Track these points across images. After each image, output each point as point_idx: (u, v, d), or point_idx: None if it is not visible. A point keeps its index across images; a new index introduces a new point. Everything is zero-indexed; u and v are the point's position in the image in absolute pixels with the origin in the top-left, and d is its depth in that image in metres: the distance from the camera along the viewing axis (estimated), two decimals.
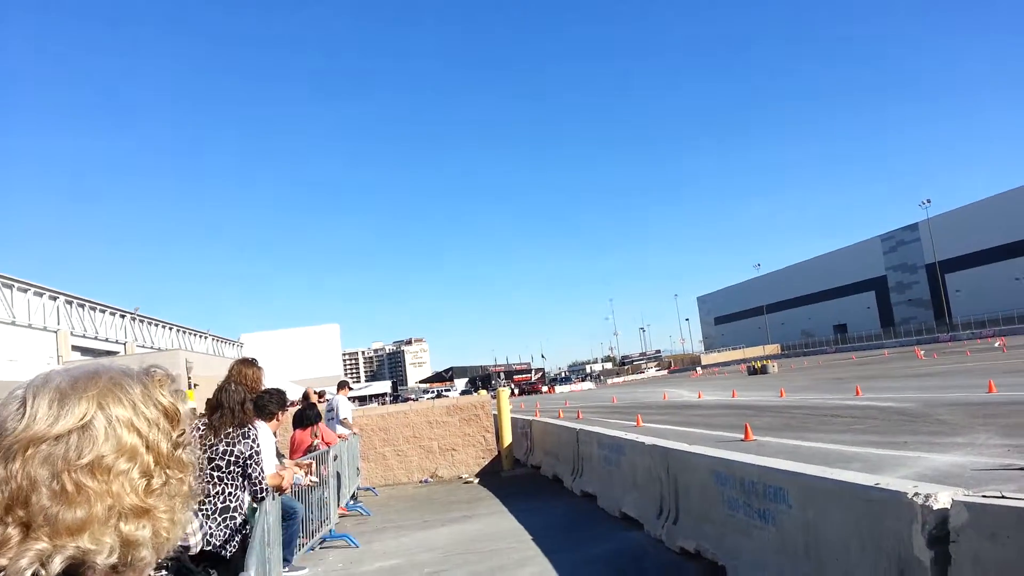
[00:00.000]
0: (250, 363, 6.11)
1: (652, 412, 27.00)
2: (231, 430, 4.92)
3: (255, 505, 5.00)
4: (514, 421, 16.38)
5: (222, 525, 4.72)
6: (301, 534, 8.12)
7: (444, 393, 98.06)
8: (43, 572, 0.84)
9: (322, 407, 12.62)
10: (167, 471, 0.95)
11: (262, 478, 5.01)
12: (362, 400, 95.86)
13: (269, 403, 6.06)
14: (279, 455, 6.91)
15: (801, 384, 34.54)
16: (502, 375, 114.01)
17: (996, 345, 50.01)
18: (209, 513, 4.67)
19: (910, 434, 13.35)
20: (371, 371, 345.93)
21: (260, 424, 5.62)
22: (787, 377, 44.74)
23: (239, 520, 4.83)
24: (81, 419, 0.90)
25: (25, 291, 48.33)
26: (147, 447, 0.93)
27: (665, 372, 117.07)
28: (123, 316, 63.06)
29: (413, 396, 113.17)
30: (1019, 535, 3.45)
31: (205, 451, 4.79)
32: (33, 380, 0.94)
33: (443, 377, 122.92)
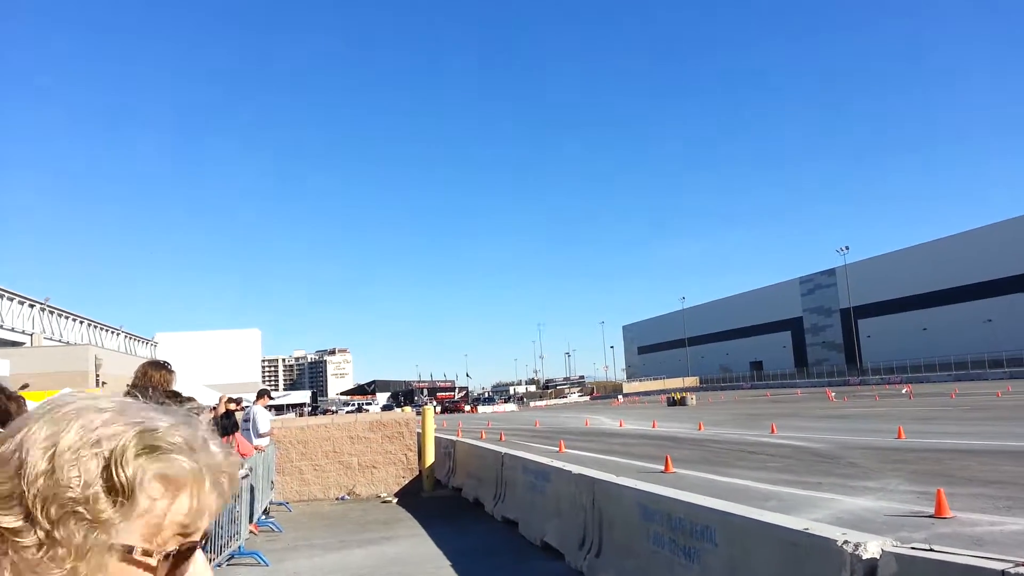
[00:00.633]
0: (159, 366, 5.75)
1: (574, 438, 27.07)
2: None
3: None
4: (438, 440, 16.13)
5: None
6: (208, 549, 7.71)
7: (365, 407, 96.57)
8: None
9: (239, 416, 12.15)
10: (66, 528, 0.76)
11: None
12: (279, 409, 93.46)
13: None
14: None
15: (719, 418, 35.26)
16: (425, 391, 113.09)
17: (903, 392, 52.20)
18: None
19: (823, 475, 13.69)
20: (291, 380, 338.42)
21: None
22: (705, 410, 45.67)
23: None
24: None
25: None
26: (29, 515, 0.76)
27: (587, 398, 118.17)
28: (32, 306, 59.92)
29: (333, 408, 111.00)
30: None
31: None
32: None
33: (365, 390, 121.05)
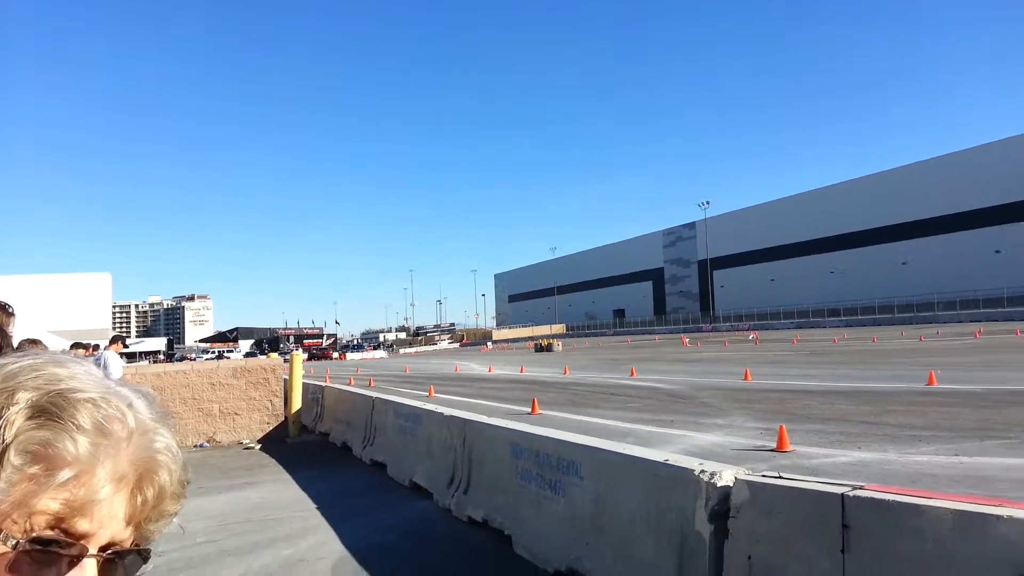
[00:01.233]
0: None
1: (444, 383, 27.24)
2: None
3: None
4: (305, 387, 15.77)
5: None
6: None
7: (227, 354, 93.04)
8: None
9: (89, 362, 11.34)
10: None
11: None
12: (131, 357, 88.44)
13: None
14: None
15: (583, 363, 36.48)
16: (292, 339, 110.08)
17: (750, 338, 55.99)
18: None
19: (677, 413, 14.46)
20: (145, 326, 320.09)
21: None
22: (571, 356, 47.11)
23: None
24: None
25: None
26: None
27: (458, 345, 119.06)
28: None
29: (192, 356, 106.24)
30: (792, 512, 3.74)
31: None
32: None
33: (227, 337, 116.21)
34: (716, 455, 9.90)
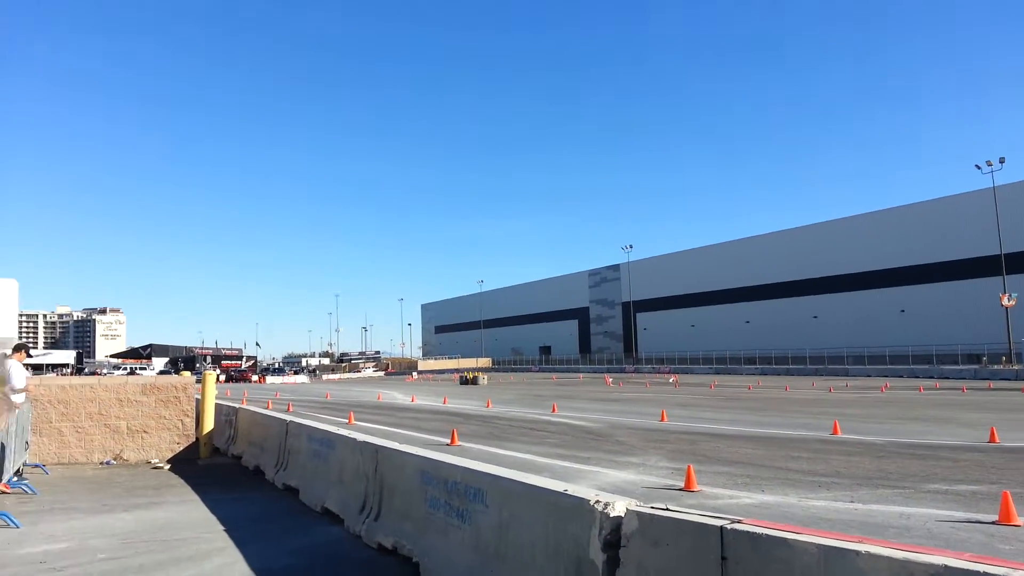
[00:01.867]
0: None
1: (366, 411, 27.04)
2: None
3: None
4: (218, 407, 15.49)
5: None
6: None
7: (139, 371, 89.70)
8: None
9: None
10: None
11: None
12: (38, 369, 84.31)
13: None
14: None
15: (507, 397, 36.70)
16: (209, 359, 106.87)
17: (670, 381, 57.31)
18: None
19: (593, 450, 14.81)
20: (53, 338, 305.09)
21: None
22: (495, 389, 47.28)
23: None
24: None
25: None
26: None
27: (382, 374, 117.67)
28: None
29: (103, 371, 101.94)
30: (677, 543, 4.02)
31: None
32: None
33: (140, 354, 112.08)
34: (627, 492, 10.19)
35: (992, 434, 15.70)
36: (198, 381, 15.58)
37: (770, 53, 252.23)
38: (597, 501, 4.57)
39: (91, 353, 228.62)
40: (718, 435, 17.52)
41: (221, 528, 8.35)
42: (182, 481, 11.84)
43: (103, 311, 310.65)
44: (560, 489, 5.02)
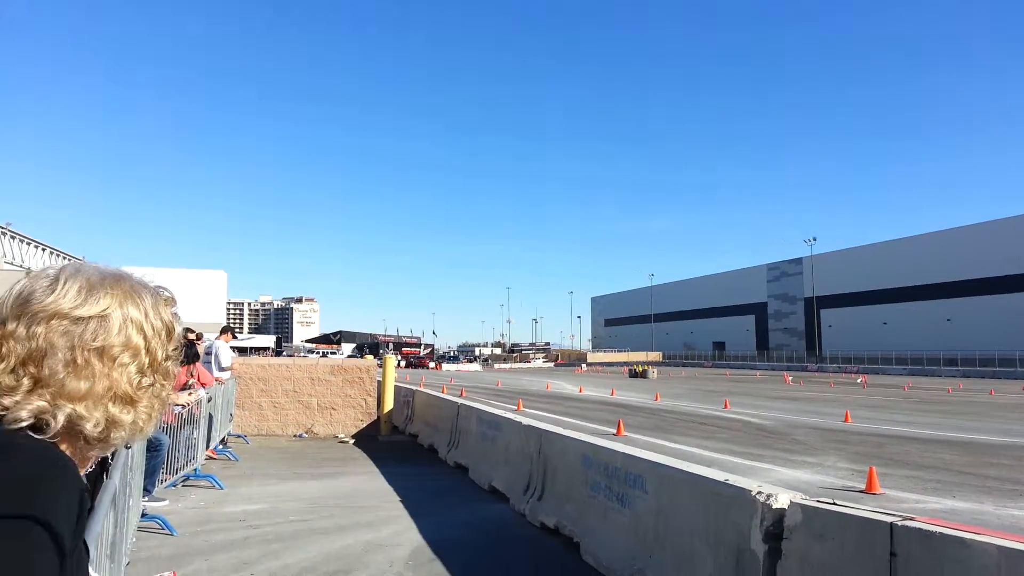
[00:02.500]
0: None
1: (534, 399, 27.58)
2: None
3: None
4: (397, 389, 16.44)
5: None
6: (164, 469, 7.97)
7: (330, 355, 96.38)
8: (50, 421, 0.98)
9: (200, 350, 12.31)
10: (156, 375, 1.10)
11: None
12: (243, 351, 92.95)
13: None
14: None
15: (676, 392, 36.02)
16: (391, 345, 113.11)
17: (858, 381, 53.57)
18: None
19: (766, 448, 14.25)
20: (256, 324, 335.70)
21: None
22: (665, 383, 46.53)
23: None
24: (102, 310, 1.04)
25: None
26: (147, 351, 1.08)
27: (552, 364, 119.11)
28: None
29: (299, 355, 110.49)
30: (843, 538, 3.85)
31: None
32: (66, 266, 1.08)
33: (331, 339, 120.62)
34: (800, 491, 9.78)
35: None
36: (380, 366, 16.58)
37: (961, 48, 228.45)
38: (759, 492, 4.45)
39: (289, 338, 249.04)
40: (908, 438, 16.28)
41: (397, 499, 8.91)
42: (364, 455, 12.71)
43: (299, 300, 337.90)
44: (721, 479, 4.94)
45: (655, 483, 5.53)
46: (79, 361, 1.00)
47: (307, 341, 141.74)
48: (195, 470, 9.22)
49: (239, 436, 13.89)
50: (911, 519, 3.61)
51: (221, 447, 11.74)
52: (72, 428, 1.00)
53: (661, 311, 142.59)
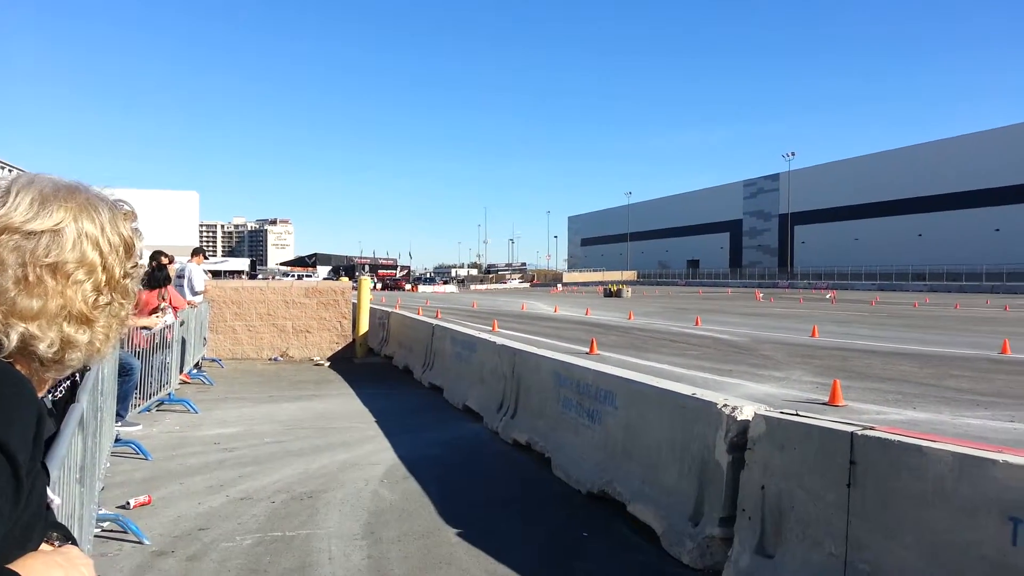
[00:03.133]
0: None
1: (509, 320, 27.79)
2: None
3: None
4: (373, 311, 16.45)
5: None
6: (137, 394, 7.96)
7: (305, 278, 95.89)
8: (3, 340, 0.94)
9: (172, 273, 12.15)
10: (114, 293, 1.05)
11: None
12: (216, 275, 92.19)
13: None
14: None
15: (650, 310, 36.47)
16: (367, 267, 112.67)
17: (827, 297, 54.57)
18: None
19: (735, 364, 14.54)
20: (229, 246, 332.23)
21: None
22: (639, 302, 47.06)
23: None
24: (56, 224, 0.98)
25: None
26: (103, 267, 1.03)
27: (528, 285, 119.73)
28: None
29: (274, 278, 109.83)
30: (804, 448, 3.95)
31: None
32: (18, 177, 1.02)
33: (306, 262, 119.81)
34: (766, 404, 10.02)
35: None
36: (355, 288, 16.53)
37: None
38: (725, 405, 4.54)
39: (264, 261, 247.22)
40: (873, 352, 16.68)
41: (372, 419, 9.01)
42: (339, 377, 12.79)
43: (273, 222, 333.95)
44: (688, 393, 5.02)
45: (625, 399, 5.62)
46: (31, 278, 0.96)
47: (282, 264, 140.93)
48: (169, 394, 9.23)
49: (213, 360, 13.88)
50: (871, 428, 3.70)
51: (195, 371, 11.74)
52: (25, 348, 0.96)
53: (637, 230, 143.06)
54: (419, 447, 7.56)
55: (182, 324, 9.92)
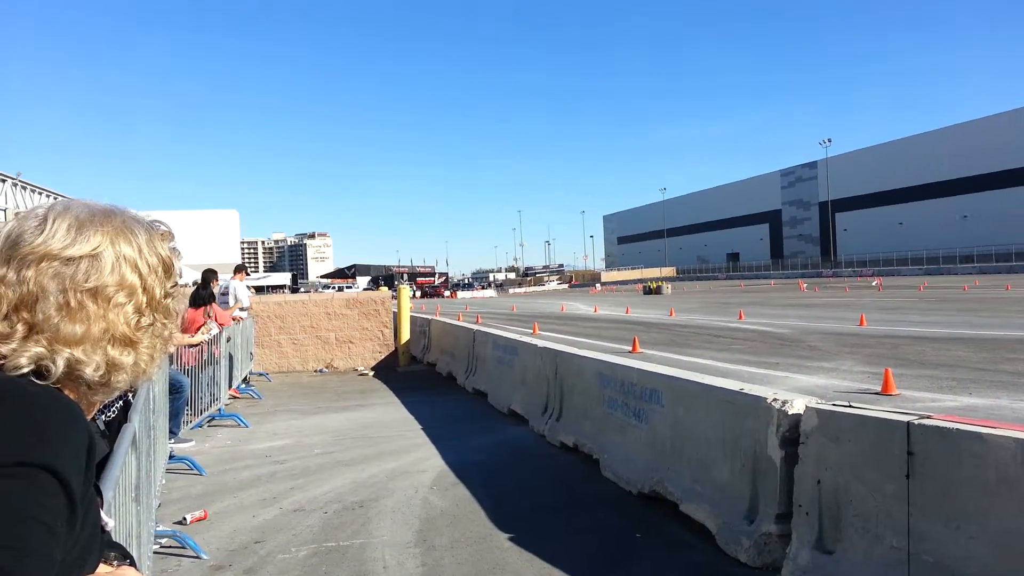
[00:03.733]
0: None
1: (549, 322, 27.75)
2: None
3: None
4: (413, 319, 16.55)
5: None
6: (188, 410, 8.11)
7: (346, 289, 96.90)
8: (51, 367, 0.95)
9: (216, 290, 12.36)
10: (156, 314, 1.07)
11: None
12: (260, 290, 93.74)
13: None
14: None
15: (691, 306, 36.10)
16: (405, 276, 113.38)
17: (873, 284, 53.42)
18: None
19: (782, 356, 14.31)
20: (271, 262, 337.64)
21: None
22: (679, 298, 46.62)
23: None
24: (93, 249, 1.00)
25: None
26: (143, 289, 1.04)
27: (566, 286, 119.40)
28: (3, 181, 58.74)
29: (317, 290, 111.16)
30: (859, 439, 3.86)
31: None
32: (55, 204, 1.04)
33: (345, 274, 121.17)
34: (816, 396, 9.84)
35: None
36: (395, 297, 16.65)
37: None
38: (775, 399, 4.46)
39: (304, 274, 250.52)
40: (924, 338, 16.27)
41: (419, 427, 9.06)
42: (384, 386, 12.89)
43: (312, 236, 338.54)
44: (736, 388, 4.95)
45: (671, 396, 5.56)
46: (72, 304, 0.97)
47: (322, 276, 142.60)
48: (219, 410, 9.39)
49: (261, 374, 14.10)
50: (928, 417, 3.60)
51: (244, 386, 11.93)
52: (72, 373, 0.97)
53: (674, 225, 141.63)
54: (466, 453, 7.58)
55: (228, 340, 10.09)
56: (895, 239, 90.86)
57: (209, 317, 9.72)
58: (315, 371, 14.95)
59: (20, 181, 62.29)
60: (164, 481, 6.14)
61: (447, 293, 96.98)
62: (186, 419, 8.02)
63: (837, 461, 3.97)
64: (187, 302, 9.82)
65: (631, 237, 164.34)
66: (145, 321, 1.04)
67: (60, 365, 0.95)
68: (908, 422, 3.59)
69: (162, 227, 1.12)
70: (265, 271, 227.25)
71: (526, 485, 6.45)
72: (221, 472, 7.08)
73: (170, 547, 4.97)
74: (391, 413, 10.21)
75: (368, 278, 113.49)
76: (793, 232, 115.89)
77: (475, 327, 12.90)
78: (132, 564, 1.09)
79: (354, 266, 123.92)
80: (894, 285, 50.74)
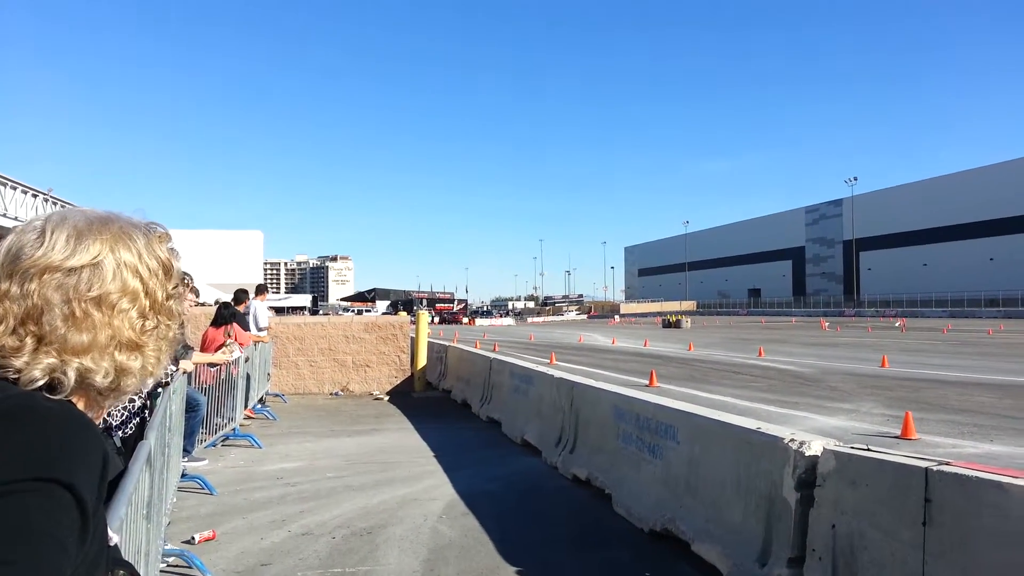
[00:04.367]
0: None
1: (567, 352, 27.65)
2: None
3: (158, 391, 5.00)
4: (431, 345, 16.55)
5: (120, 407, 4.69)
6: (203, 429, 8.14)
7: (365, 313, 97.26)
8: (63, 379, 0.97)
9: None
10: (159, 316, 1.08)
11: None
12: (280, 311, 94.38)
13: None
14: (187, 347, 6.90)
15: (710, 341, 35.84)
16: (424, 301, 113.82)
17: (896, 325, 52.76)
18: None
19: (802, 396, 14.14)
20: (292, 284, 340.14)
21: None
22: (698, 333, 46.32)
23: (138, 404, 4.82)
24: (94, 258, 1.01)
25: None
26: (146, 293, 1.05)
27: (585, 317, 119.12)
28: (35, 196, 59.85)
29: (334, 313, 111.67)
30: (876, 484, 3.79)
31: None
32: (52, 215, 1.04)
33: (365, 297, 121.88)
34: (836, 437, 9.69)
35: None
36: (413, 322, 16.69)
37: None
38: (792, 439, 4.40)
39: (325, 297, 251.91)
40: (946, 382, 16.02)
41: (431, 454, 9.02)
42: (399, 411, 12.87)
43: (334, 258, 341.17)
44: (753, 427, 4.88)
45: (687, 433, 5.50)
46: (78, 314, 0.98)
47: (342, 299, 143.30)
48: (234, 430, 9.42)
49: (277, 395, 14.14)
50: (946, 464, 3.53)
51: (260, 406, 11.96)
52: (83, 381, 0.99)
53: (696, 259, 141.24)
54: (478, 482, 7.53)
55: (247, 360, 10.14)
56: (919, 280, 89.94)
57: (229, 337, 9.79)
58: (331, 394, 14.98)
59: (52, 197, 63.42)
60: (175, 499, 6.15)
61: (465, 320, 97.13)
62: (200, 438, 8.05)
63: (853, 505, 3.89)
64: (208, 322, 9.92)
65: (652, 269, 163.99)
66: (149, 324, 1.05)
67: (71, 376, 0.97)
68: (926, 468, 3.52)
69: (159, 229, 1.12)
70: (287, 292, 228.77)
71: (536, 517, 6.39)
72: (232, 492, 7.08)
73: (177, 566, 4.97)
74: (404, 439, 10.18)
75: (387, 302, 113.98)
76: (816, 270, 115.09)
77: (492, 355, 12.88)
78: None
79: (374, 290, 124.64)
80: (917, 327, 50.09)
